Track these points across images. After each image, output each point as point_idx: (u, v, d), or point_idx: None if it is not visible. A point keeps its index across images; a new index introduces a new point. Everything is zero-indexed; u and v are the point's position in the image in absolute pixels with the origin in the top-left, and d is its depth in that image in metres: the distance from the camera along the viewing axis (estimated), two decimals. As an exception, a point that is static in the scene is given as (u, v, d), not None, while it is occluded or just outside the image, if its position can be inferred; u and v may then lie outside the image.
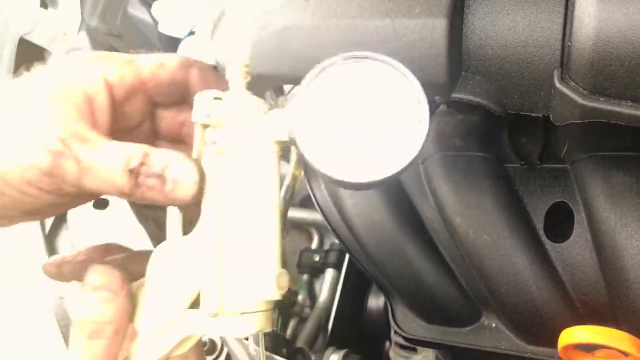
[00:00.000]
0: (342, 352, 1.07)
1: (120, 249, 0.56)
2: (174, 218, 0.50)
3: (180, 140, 0.55)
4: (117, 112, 0.50)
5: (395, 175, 0.44)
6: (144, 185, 0.45)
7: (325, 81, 0.45)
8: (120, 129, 0.50)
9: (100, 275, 0.48)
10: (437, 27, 0.58)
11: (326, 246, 1.33)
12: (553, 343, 0.62)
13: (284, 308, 1.19)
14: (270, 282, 0.46)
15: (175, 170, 0.45)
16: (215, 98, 0.48)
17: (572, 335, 0.57)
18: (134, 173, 0.45)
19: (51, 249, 1.02)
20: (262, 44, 0.67)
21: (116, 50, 1.13)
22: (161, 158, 0.46)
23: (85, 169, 0.44)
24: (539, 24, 0.56)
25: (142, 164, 0.45)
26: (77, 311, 0.48)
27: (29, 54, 1.12)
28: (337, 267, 1.26)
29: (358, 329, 1.20)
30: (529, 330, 0.67)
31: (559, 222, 0.65)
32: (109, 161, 0.45)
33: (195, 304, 0.48)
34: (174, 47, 1.14)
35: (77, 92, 0.47)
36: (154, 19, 1.16)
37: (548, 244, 0.65)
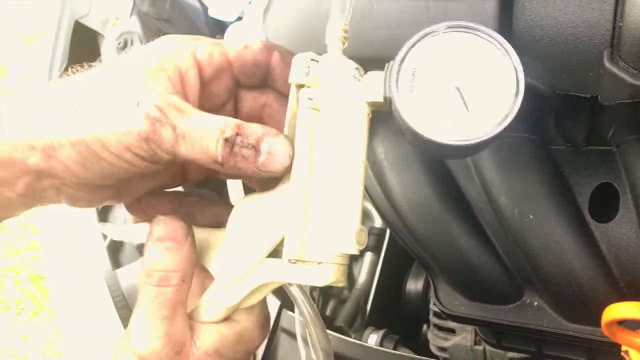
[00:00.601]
0: (381, 332, 1.09)
1: (189, 194, 0.58)
2: (236, 184, 0.53)
3: (261, 122, 0.57)
4: (205, 91, 0.53)
5: (488, 141, 0.45)
6: (239, 154, 0.47)
7: (426, 47, 0.48)
8: (206, 108, 0.52)
9: (165, 226, 0.51)
10: (488, 7, 0.59)
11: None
12: (596, 322, 0.62)
13: (324, 289, 1.22)
14: (350, 236, 0.48)
15: (269, 142, 0.47)
16: (312, 60, 0.50)
17: (617, 310, 0.58)
18: (230, 142, 0.46)
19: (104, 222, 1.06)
20: (311, 24, 0.69)
21: (165, 34, 1.16)
22: (256, 130, 0.47)
23: (180, 135, 0.46)
24: (589, 5, 0.56)
25: (237, 134, 0.47)
26: (145, 261, 0.51)
27: (83, 37, 1.16)
28: (376, 250, 1.28)
29: (396, 311, 1.22)
30: (572, 308, 0.67)
31: (604, 203, 0.66)
32: (205, 128, 0.47)
33: (273, 254, 0.50)
34: (222, 33, 1.17)
35: (171, 67, 0.49)
36: (202, 5, 1.18)
37: (593, 224, 0.66)
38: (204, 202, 0.57)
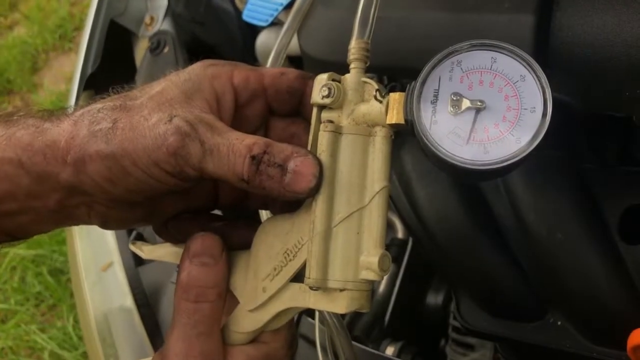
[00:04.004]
0: (399, 344, 1.08)
1: (220, 217, 0.58)
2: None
3: None
4: (239, 115, 0.53)
5: (515, 164, 0.43)
6: (265, 173, 0.46)
7: (449, 67, 0.46)
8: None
9: (202, 242, 0.51)
10: (525, 23, 0.59)
11: (386, 241, 1.34)
12: (621, 345, 0.61)
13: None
14: (373, 263, 0.47)
15: (296, 162, 0.46)
16: (334, 80, 0.50)
17: (644, 335, 0.57)
18: (256, 160, 0.46)
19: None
20: (343, 32, 0.70)
21: (198, 37, 1.17)
22: (284, 149, 0.47)
23: (208, 151, 0.46)
24: (628, 24, 0.56)
25: (264, 152, 0.46)
26: (181, 277, 0.50)
27: (117, 36, 1.18)
28: (397, 261, 1.27)
29: (414, 324, 1.21)
30: (597, 330, 0.67)
31: (635, 225, 0.65)
32: (233, 146, 0.46)
33: (296, 279, 0.49)
34: (254, 37, 1.18)
35: (208, 89, 0.50)
36: (235, 9, 1.20)
37: (622, 245, 0.65)
38: (232, 225, 0.56)
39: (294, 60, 1.18)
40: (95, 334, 1.01)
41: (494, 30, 0.60)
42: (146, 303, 0.99)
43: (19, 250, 2.58)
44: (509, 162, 0.43)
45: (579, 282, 0.65)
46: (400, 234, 1.31)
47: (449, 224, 0.72)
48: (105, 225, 0.53)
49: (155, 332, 0.97)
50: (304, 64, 0.82)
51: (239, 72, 0.52)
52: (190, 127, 0.46)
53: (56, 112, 0.51)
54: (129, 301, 0.99)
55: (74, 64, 1.25)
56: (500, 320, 0.74)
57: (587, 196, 0.67)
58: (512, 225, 0.70)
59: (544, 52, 0.60)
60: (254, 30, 1.19)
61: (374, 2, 0.51)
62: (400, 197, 0.77)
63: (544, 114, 0.44)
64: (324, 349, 0.55)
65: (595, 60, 0.58)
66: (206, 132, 0.46)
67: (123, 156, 0.46)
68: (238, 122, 0.53)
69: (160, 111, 0.47)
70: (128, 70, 1.18)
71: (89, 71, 1.16)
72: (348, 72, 0.51)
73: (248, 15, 1.01)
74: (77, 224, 0.53)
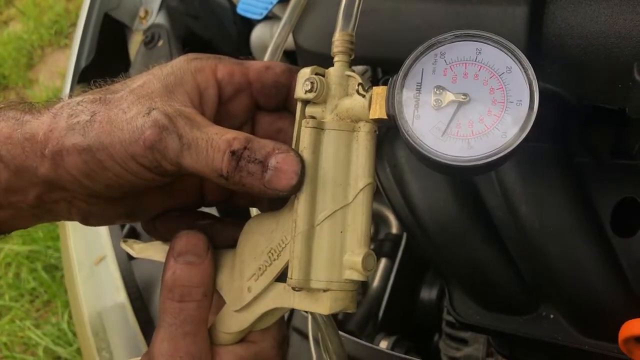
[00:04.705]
0: (392, 338, 1.08)
1: (208, 215, 0.57)
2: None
3: None
4: (222, 110, 0.52)
5: (500, 159, 0.42)
6: (245, 169, 0.45)
7: (432, 59, 0.44)
8: None
9: (186, 240, 0.50)
10: (518, 15, 0.59)
11: (380, 236, 1.35)
12: (613, 338, 0.61)
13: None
14: (357, 262, 0.46)
15: (277, 159, 0.45)
16: (317, 74, 0.48)
17: (636, 327, 0.57)
18: (236, 156, 0.44)
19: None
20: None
21: (192, 31, 1.17)
22: (265, 145, 0.46)
23: (186, 145, 0.45)
24: (621, 16, 0.56)
25: (245, 148, 0.45)
26: (166, 276, 0.49)
27: (111, 30, 1.17)
28: (391, 256, 1.27)
29: (408, 319, 1.21)
30: (589, 323, 0.66)
31: (627, 218, 0.65)
32: (212, 140, 0.45)
33: (281, 279, 0.48)
34: (248, 31, 1.18)
35: (190, 83, 0.49)
36: (230, 2, 1.19)
37: (614, 238, 0.65)
38: (219, 223, 0.55)
39: (288, 55, 1.18)
40: (87, 327, 1.01)
41: (487, 21, 0.60)
42: (139, 297, 0.99)
43: (13, 246, 2.57)
44: (494, 158, 0.42)
45: (571, 275, 0.65)
46: (394, 229, 1.31)
47: (442, 217, 0.72)
48: (86, 221, 0.52)
49: (148, 326, 0.97)
50: (298, 57, 0.82)
51: (224, 66, 0.51)
52: (168, 120, 0.45)
53: (37, 104, 0.50)
54: (122, 295, 0.99)
55: (69, 60, 1.25)
56: (493, 313, 0.73)
57: (579, 189, 0.67)
58: (505, 217, 0.70)
59: (537, 43, 0.60)
60: (249, 23, 1.19)
61: None
62: (393, 190, 0.77)
63: (531, 107, 0.42)
64: (316, 341, 0.55)
65: (589, 51, 0.58)
66: (185, 126, 0.45)
67: (99, 149, 0.45)
68: (222, 117, 0.52)
69: (140, 104, 0.46)
70: (122, 63, 1.18)
71: (83, 65, 1.16)
72: None
73: (242, 9, 1.01)
74: (57, 219, 0.52)
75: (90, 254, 1.06)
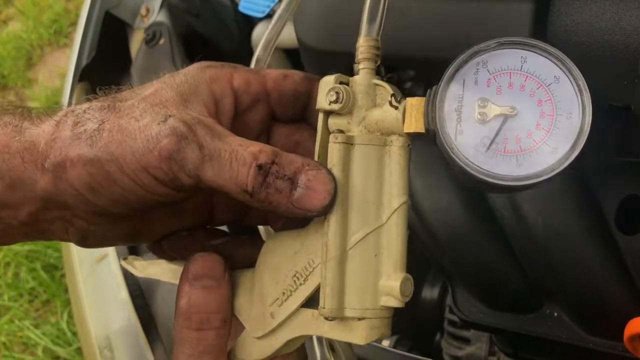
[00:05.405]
0: (394, 338, 1.08)
1: (220, 233, 0.54)
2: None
3: None
4: (239, 121, 0.49)
5: (551, 179, 0.39)
6: (272, 186, 0.41)
7: (475, 68, 0.41)
8: None
9: (202, 263, 0.46)
10: (523, 11, 0.59)
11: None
12: (617, 336, 0.61)
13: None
14: (394, 288, 0.42)
15: (308, 176, 0.42)
16: (342, 82, 0.45)
17: (641, 324, 0.57)
18: (263, 170, 0.41)
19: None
20: (341, 21, 0.69)
21: (194, 29, 1.17)
22: (294, 160, 0.42)
23: (207, 156, 0.41)
24: (627, 12, 0.56)
25: (273, 162, 0.41)
26: (182, 302, 0.46)
27: (112, 28, 1.17)
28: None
29: (409, 318, 1.20)
30: (593, 321, 0.66)
31: (631, 215, 0.65)
32: (236, 152, 0.41)
33: (307, 304, 0.45)
34: (250, 30, 1.17)
35: (206, 93, 0.46)
36: (232, 1, 1.19)
37: (618, 236, 0.65)
38: (234, 242, 0.52)
39: (290, 53, 1.18)
40: (89, 326, 1.00)
41: (492, 17, 0.60)
42: (140, 294, 0.98)
43: (12, 246, 2.56)
44: (544, 177, 0.39)
45: (575, 272, 0.65)
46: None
47: (445, 214, 0.72)
48: (84, 242, 0.48)
49: (149, 324, 0.97)
50: (301, 55, 0.82)
51: (239, 75, 0.48)
52: (187, 129, 0.41)
53: (36, 110, 0.46)
54: (123, 293, 0.98)
55: (69, 59, 1.25)
56: (496, 311, 0.73)
57: (583, 186, 0.67)
58: (508, 215, 0.70)
59: (542, 40, 0.59)
60: (251, 22, 1.18)
61: None
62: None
63: (583, 120, 0.39)
64: (319, 339, 0.55)
65: (594, 48, 0.57)
66: (205, 135, 0.41)
67: (108, 161, 0.41)
68: (238, 128, 0.48)
69: (154, 112, 0.42)
70: (123, 62, 1.18)
71: (84, 63, 1.15)
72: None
73: (244, 7, 1.01)
74: (49, 239, 0.47)
75: (92, 251, 1.06)
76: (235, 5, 1.13)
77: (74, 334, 2.22)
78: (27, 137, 0.43)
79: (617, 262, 0.64)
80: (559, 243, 0.65)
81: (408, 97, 0.44)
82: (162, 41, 1.10)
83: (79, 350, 2.14)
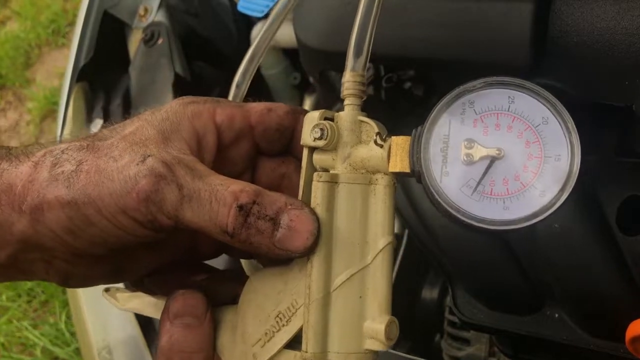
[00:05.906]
0: (394, 338, 1.08)
1: (204, 267, 0.53)
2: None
3: None
4: (222, 156, 0.48)
5: (540, 222, 0.38)
6: (253, 227, 0.40)
7: (461, 108, 0.40)
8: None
9: (183, 301, 0.46)
10: (524, 10, 0.59)
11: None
12: (619, 337, 0.61)
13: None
14: (379, 331, 0.41)
15: (290, 216, 0.41)
16: (327, 118, 0.44)
17: (643, 326, 0.56)
18: (244, 211, 0.40)
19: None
20: (340, 21, 0.69)
21: (193, 29, 1.16)
22: (276, 200, 0.41)
23: (187, 197, 0.40)
24: (628, 12, 0.55)
25: (254, 202, 0.40)
26: (163, 341, 0.45)
27: (111, 28, 1.17)
28: (392, 256, 1.27)
29: (409, 319, 1.20)
30: (594, 322, 0.66)
31: (633, 216, 0.65)
32: (216, 192, 0.40)
33: (290, 345, 0.44)
34: (249, 29, 1.17)
35: (187, 128, 0.45)
36: (230, 1, 1.19)
37: (620, 236, 0.64)
38: (216, 278, 0.51)
39: (289, 53, 1.17)
40: (87, 326, 1.00)
41: (492, 17, 0.60)
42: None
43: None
44: (532, 221, 0.38)
45: (576, 273, 0.64)
46: (395, 228, 1.31)
47: (445, 216, 0.72)
48: (65, 282, 0.47)
49: (148, 325, 0.96)
50: (300, 55, 0.82)
51: (222, 110, 0.47)
52: (166, 169, 0.40)
53: (15, 150, 0.45)
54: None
55: (67, 59, 1.24)
56: (497, 312, 0.73)
57: (584, 187, 0.66)
58: (510, 216, 0.70)
59: (542, 39, 0.59)
60: (249, 21, 1.18)
61: (370, 28, 0.45)
62: (397, 192, 0.76)
63: (572, 163, 0.39)
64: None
65: (595, 48, 0.57)
66: (185, 175, 0.41)
67: (86, 203, 0.40)
68: (221, 164, 0.48)
69: (133, 152, 0.42)
70: (121, 62, 1.17)
71: (82, 63, 1.15)
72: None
73: (243, 6, 1.00)
74: (31, 279, 0.47)
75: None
76: (234, 4, 1.12)
77: (73, 334, 2.21)
78: (4, 179, 0.43)
79: (618, 263, 0.64)
80: (559, 243, 0.65)
81: (393, 135, 0.44)
82: (160, 41, 1.10)
83: (77, 351, 2.14)
